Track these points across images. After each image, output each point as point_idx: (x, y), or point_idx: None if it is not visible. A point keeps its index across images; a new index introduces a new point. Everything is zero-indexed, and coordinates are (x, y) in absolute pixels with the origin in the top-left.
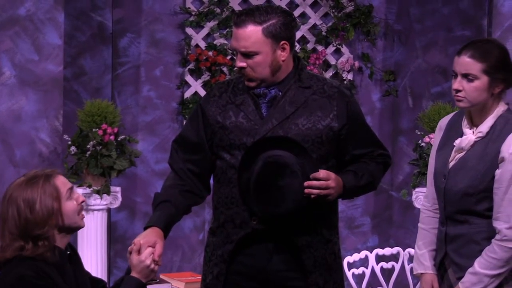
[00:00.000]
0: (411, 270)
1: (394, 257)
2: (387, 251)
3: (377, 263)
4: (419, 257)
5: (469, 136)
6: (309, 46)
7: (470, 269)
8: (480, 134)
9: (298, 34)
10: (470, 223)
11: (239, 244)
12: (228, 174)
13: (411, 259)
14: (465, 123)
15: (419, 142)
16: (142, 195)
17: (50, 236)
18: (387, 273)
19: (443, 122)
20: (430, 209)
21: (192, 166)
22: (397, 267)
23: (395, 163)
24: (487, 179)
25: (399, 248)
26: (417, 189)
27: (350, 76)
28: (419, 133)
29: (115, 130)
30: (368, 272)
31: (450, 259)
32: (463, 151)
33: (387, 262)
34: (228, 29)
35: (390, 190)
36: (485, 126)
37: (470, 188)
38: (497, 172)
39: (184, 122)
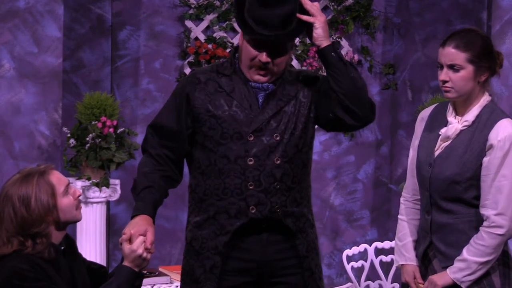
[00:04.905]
0: None
1: (393, 251)
2: (386, 244)
3: (376, 256)
4: (400, 248)
5: (455, 125)
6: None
7: (458, 257)
8: (466, 123)
9: None
10: (456, 212)
11: (234, 235)
12: (218, 165)
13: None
14: (450, 112)
15: None
16: None
17: (48, 233)
18: (386, 266)
19: (425, 113)
20: (409, 200)
21: (168, 152)
22: None
23: (394, 157)
24: (475, 167)
25: None
26: None
27: None
28: None
29: (114, 122)
30: (367, 265)
31: (436, 248)
32: (449, 139)
33: (386, 255)
34: (227, 22)
35: (389, 184)
36: (471, 115)
37: (458, 176)
38: (485, 159)
39: (162, 107)
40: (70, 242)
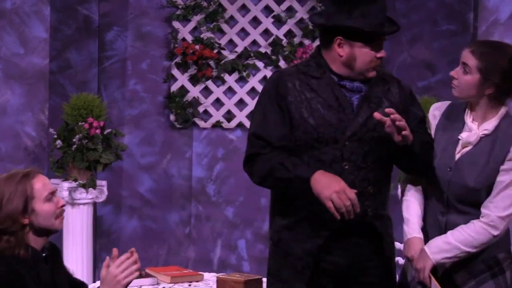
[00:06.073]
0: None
1: None
2: None
3: None
4: (405, 225)
5: (476, 131)
6: (296, 40)
7: (441, 236)
8: (486, 132)
9: (285, 28)
10: (473, 214)
11: (327, 239)
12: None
13: (397, 252)
14: (468, 115)
15: None
16: (128, 189)
17: (17, 233)
18: None
19: (437, 111)
20: (414, 184)
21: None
22: None
23: None
24: (495, 177)
25: None
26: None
27: None
28: None
29: (101, 123)
30: None
31: None
32: (470, 145)
33: None
34: (215, 23)
35: None
36: (491, 125)
37: (479, 184)
38: (503, 167)
39: (257, 114)
40: (55, 251)
